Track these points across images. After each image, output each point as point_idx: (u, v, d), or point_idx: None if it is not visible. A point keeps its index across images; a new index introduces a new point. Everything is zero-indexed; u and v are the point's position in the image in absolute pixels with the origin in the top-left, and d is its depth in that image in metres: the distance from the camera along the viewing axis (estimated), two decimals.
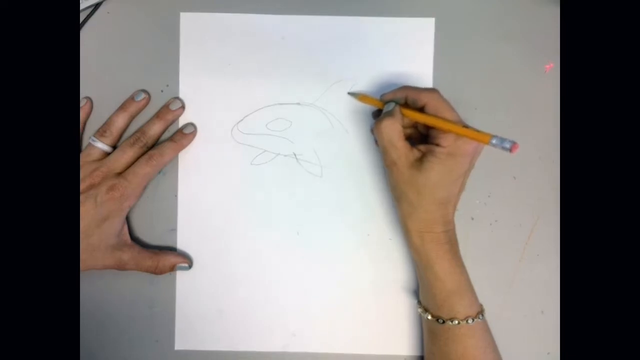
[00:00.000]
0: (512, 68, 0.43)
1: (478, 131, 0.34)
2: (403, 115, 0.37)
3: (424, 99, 0.36)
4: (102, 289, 0.42)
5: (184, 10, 0.43)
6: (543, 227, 0.42)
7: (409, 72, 0.42)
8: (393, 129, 0.36)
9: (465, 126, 0.34)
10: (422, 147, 0.36)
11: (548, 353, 0.42)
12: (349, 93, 0.42)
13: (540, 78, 0.42)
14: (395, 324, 0.42)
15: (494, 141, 0.33)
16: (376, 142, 0.41)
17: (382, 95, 0.39)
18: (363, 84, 0.42)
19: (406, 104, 0.37)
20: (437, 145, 0.35)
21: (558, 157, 0.42)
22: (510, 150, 0.32)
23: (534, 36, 0.42)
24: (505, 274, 0.42)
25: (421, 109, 0.36)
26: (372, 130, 0.41)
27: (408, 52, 0.42)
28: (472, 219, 0.42)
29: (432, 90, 0.37)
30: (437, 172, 0.35)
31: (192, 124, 0.42)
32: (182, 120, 0.43)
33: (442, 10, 0.42)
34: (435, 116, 0.35)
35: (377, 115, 0.41)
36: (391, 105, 0.37)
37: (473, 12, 0.43)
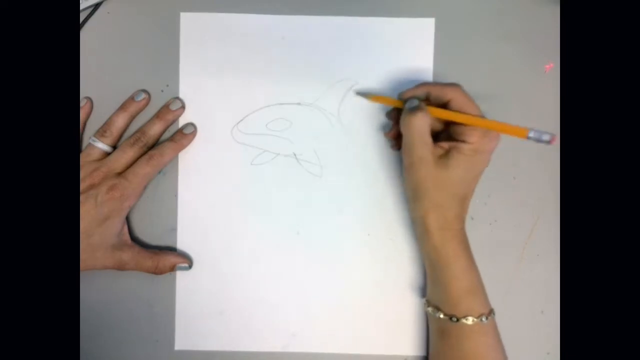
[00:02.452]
0: (512, 68, 0.43)
1: (516, 126, 0.34)
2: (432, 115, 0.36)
3: (448, 95, 0.36)
4: (102, 289, 0.42)
5: (184, 10, 0.43)
6: (543, 227, 0.42)
7: (409, 72, 0.42)
8: (424, 123, 0.35)
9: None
10: (445, 144, 0.36)
11: (548, 353, 0.42)
12: (357, 93, 0.42)
13: (540, 78, 0.42)
14: (395, 324, 0.42)
15: (531, 134, 0.33)
16: (394, 146, 0.41)
17: (400, 94, 0.38)
18: (363, 84, 0.42)
19: (427, 101, 0.37)
20: (464, 141, 0.35)
21: (558, 157, 0.42)
22: (550, 142, 0.32)
23: (534, 36, 0.42)
24: (505, 274, 0.42)
25: (444, 105, 0.36)
26: (386, 133, 0.41)
27: (408, 52, 0.42)
28: (472, 219, 0.42)
29: (455, 85, 0.36)
30: (463, 170, 0.35)
31: (192, 124, 0.42)
32: (182, 120, 0.43)
33: (442, 10, 0.42)
34: (465, 113, 0.35)
35: (393, 115, 0.40)
36: (415, 102, 0.37)
37: (473, 12, 0.43)
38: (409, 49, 0.42)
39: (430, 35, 0.42)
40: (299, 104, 0.43)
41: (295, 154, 0.43)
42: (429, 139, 0.36)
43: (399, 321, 0.42)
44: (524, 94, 0.42)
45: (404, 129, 0.36)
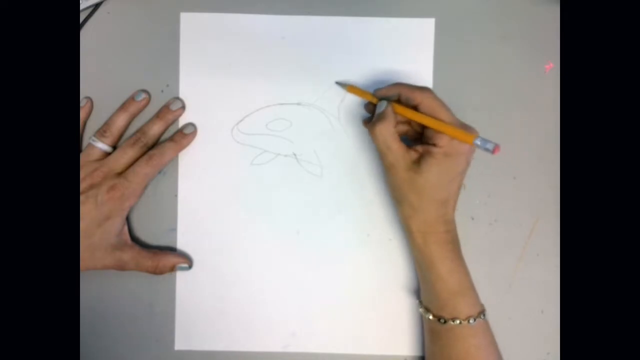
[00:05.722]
0: (512, 68, 0.42)
1: (463, 131, 0.34)
2: (396, 112, 0.37)
3: (417, 98, 0.36)
4: (102, 289, 0.42)
5: (184, 10, 0.43)
6: (543, 227, 0.42)
7: (409, 72, 0.42)
8: (387, 132, 0.36)
9: (461, 125, 0.35)
10: (419, 148, 0.36)
11: (548, 353, 0.42)
12: (336, 82, 0.42)
13: (540, 78, 0.42)
14: (395, 324, 0.42)
15: (477, 142, 0.34)
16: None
17: (375, 91, 0.39)
18: (363, 84, 0.42)
19: (399, 101, 0.37)
20: (434, 145, 0.35)
21: (558, 157, 0.42)
22: (492, 152, 0.33)
23: (534, 36, 0.42)
24: (505, 274, 0.42)
25: (415, 107, 0.36)
26: (364, 122, 0.41)
27: (408, 52, 0.42)
28: (472, 219, 0.42)
29: (425, 89, 0.37)
30: (435, 173, 0.35)
31: (192, 124, 0.42)
32: (182, 120, 0.43)
33: (442, 10, 0.42)
34: (427, 115, 0.36)
35: (370, 108, 0.41)
36: (383, 105, 0.37)
37: (473, 12, 0.43)
38: (409, 49, 0.42)
39: (430, 35, 0.42)
40: (299, 104, 0.43)
41: (295, 154, 0.43)
42: (395, 145, 0.36)
43: (399, 321, 0.42)
44: (524, 94, 0.42)
45: (372, 138, 0.37)
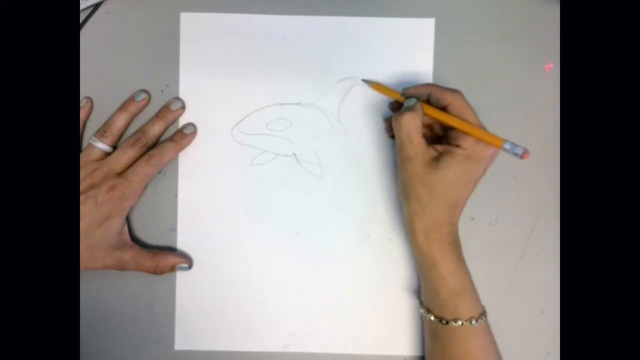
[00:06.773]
0: (512, 68, 0.43)
1: (492, 135, 0.35)
2: (424, 112, 0.37)
3: (447, 99, 0.36)
4: (102, 289, 0.42)
5: (184, 10, 0.43)
6: (543, 227, 0.42)
7: (409, 72, 0.42)
8: (412, 123, 0.36)
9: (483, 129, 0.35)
10: (440, 147, 0.36)
11: (548, 353, 0.42)
12: (363, 80, 0.42)
13: (540, 78, 0.42)
14: (395, 324, 0.42)
15: (506, 146, 0.34)
16: (388, 131, 0.42)
17: (404, 89, 0.39)
18: (363, 85, 0.42)
19: (428, 102, 0.38)
20: (457, 146, 0.35)
21: (558, 157, 0.42)
22: (522, 156, 0.34)
23: (534, 36, 0.42)
24: (505, 274, 0.42)
25: (443, 109, 0.37)
26: (385, 120, 0.42)
27: (408, 52, 0.42)
28: (472, 219, 0.42)
29: (456, 91, 0.37)
30: (453, 174, 0.35)
31: (192, 124, 0.42)
32: (182, 120, 0.43)
33: (442, 10, 0.42)
34: (456, 117, 0.36)
35: (395, 106, 0.41)
36: (412, 101, 0.37)
37: (473, 12, 0.43)
38: (409, 49, 0.42)
39: (430, 35, 0.42)
40: (299, 104, 0.43)
41: (295, 154, 0.43)
42: (417, 139, 0.36)
43: (399, 321, 0.42)
44: (524, 94, 0.42)
45: (394, 127, 0.37)
